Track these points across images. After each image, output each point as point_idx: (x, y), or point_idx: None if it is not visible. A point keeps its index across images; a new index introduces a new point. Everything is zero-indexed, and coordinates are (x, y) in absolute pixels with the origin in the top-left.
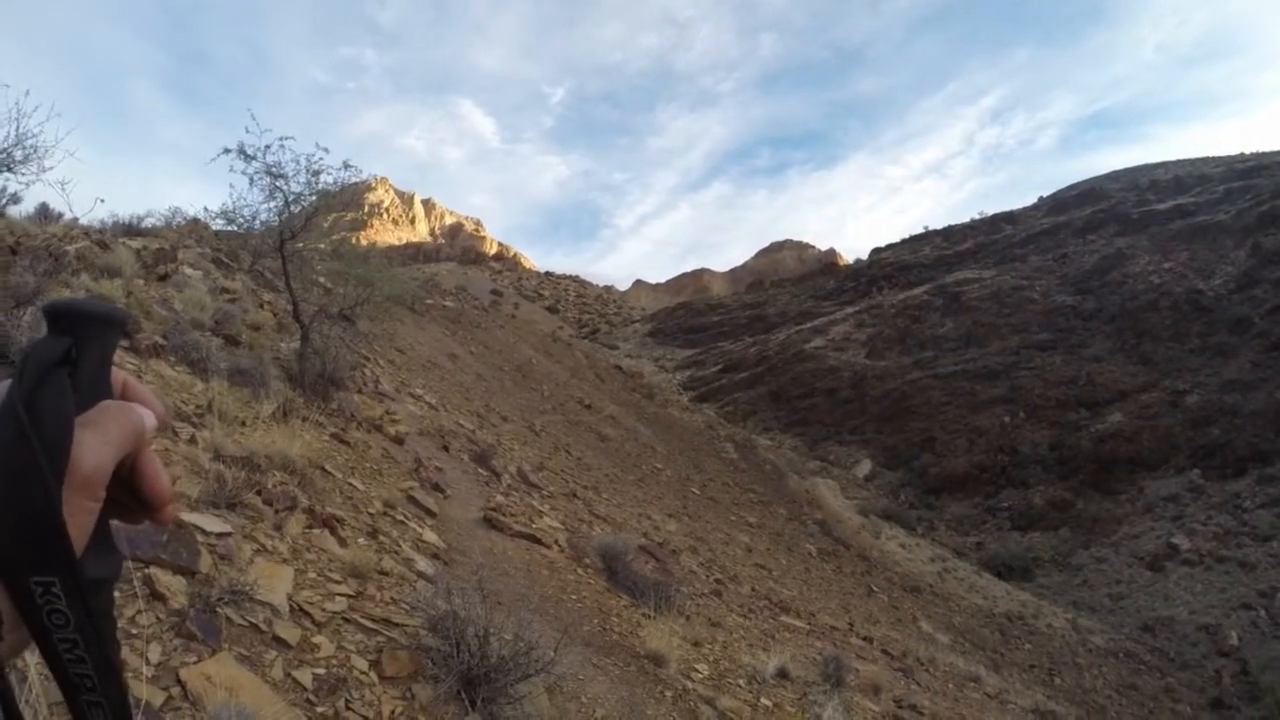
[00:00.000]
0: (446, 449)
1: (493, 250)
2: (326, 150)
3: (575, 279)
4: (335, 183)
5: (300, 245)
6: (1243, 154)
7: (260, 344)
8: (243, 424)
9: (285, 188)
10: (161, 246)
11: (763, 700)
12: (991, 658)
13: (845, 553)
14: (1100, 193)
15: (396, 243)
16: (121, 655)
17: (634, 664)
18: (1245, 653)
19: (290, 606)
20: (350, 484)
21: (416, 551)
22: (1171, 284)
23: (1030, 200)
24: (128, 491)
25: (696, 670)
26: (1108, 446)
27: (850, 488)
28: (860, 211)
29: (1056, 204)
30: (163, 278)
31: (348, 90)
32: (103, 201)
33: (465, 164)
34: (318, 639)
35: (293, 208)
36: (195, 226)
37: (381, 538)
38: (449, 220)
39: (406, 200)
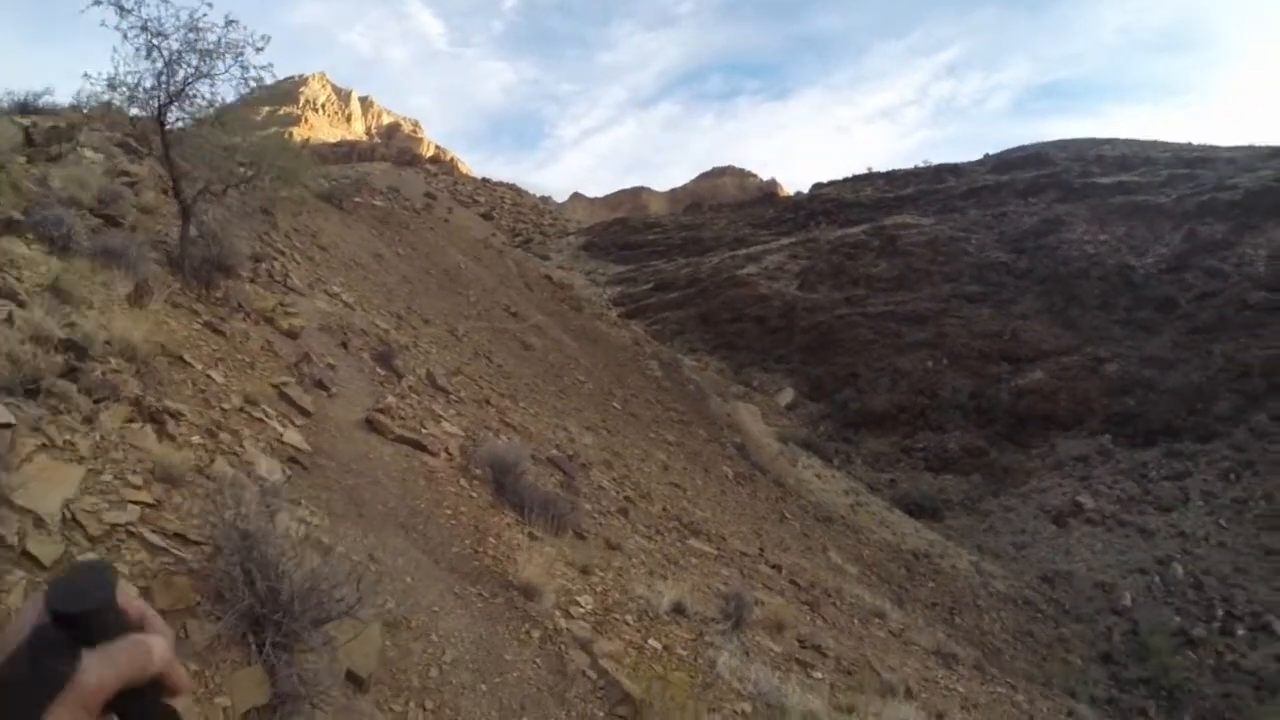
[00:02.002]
0: (345, 346)
1: (430, 153)
2: (210, 5)
3: (513, 187)
4: (218, 43)
5: (179, 116)
6: (1190, 144)
7: (148, 227)
8: (89, 306)
9: (163, 45)
10: (56, 125)
11: (650, 642)
12: (896, 592)
13: (761, 478)
14: (1046, 158)
15: (331, 140)
16: None
17: (501, 595)
18: (1137, 614)
19: (63, 515)
20: (209, 376)
21: (266, 454)
22: (1105, 255)
23: (976, 157)
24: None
25: (578, 604)
26: (1025, 402)
27: (771, 415)
28: (807, 147)
29: (1002, 163)
30: (54, 158)
31: None
32: None
33: (409, 65)
34: (83, 555)
35: (174, 69)
36: (108, 110)
37: (223, 436)
38: (386, 120)
39: (344, 97)
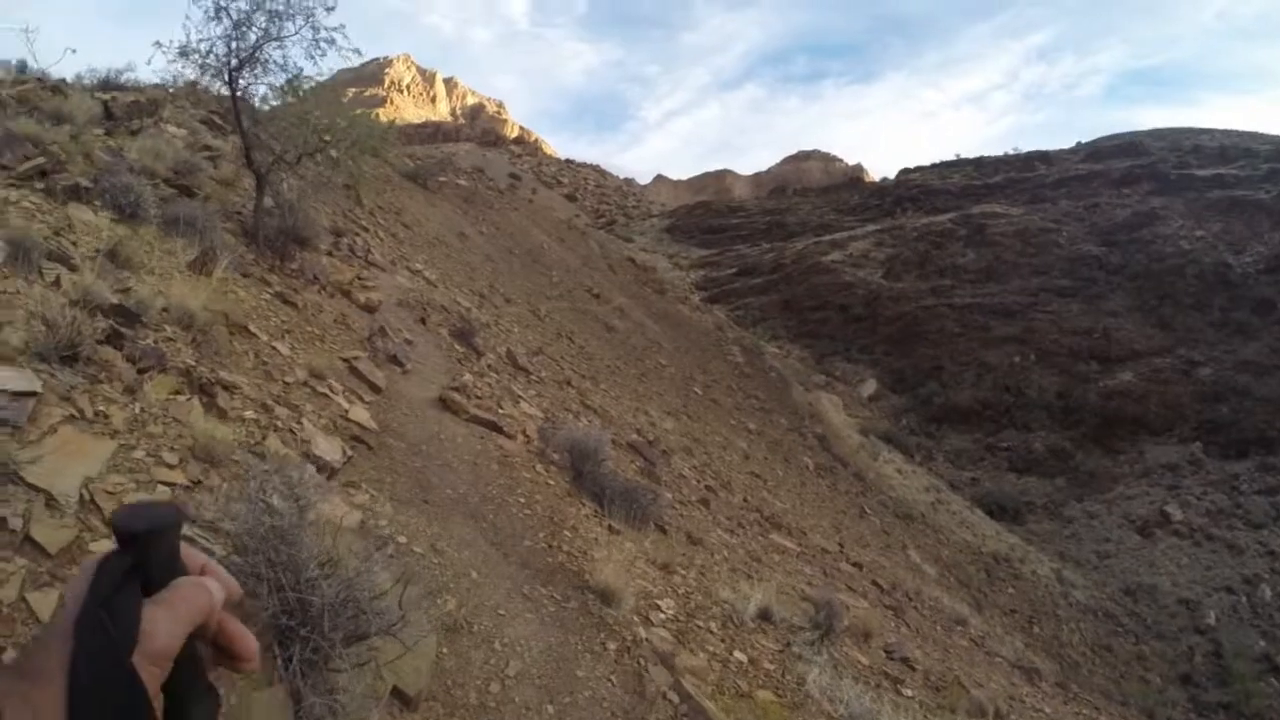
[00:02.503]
0: (424, 322)
1: (514, 134)
2: None
3: (596, 169)
4: (288, 3)
5: (251, 82)
6: None
7: (223, 198)
8: (150, 272)
9: (231, 7)
10: (137, 100)
11: (736, 654)
12: (975, 597)
13: (842, 470)
14: (1141, 148)
15: (416, 120)
16: None
17: (576, 598)
18: (1221, 635)
19: (81, 496)
20: (273, 348)
21: (327, 432)
22: (1201, 253)
23: (1067, 144)
24: (214, 647)
25: (659, 608)
26: (1114, 403)
27: (853, 406)
28: (892, 132)
29: (1094, 152)
30: (133, 132)
31: None
32: (73, 52)
33: (492, 45)
34: (97, 546)
35: (243, 33)
36: (193, 89)
37: (280, 411)
38: (470, 101)
39: (428, 78)
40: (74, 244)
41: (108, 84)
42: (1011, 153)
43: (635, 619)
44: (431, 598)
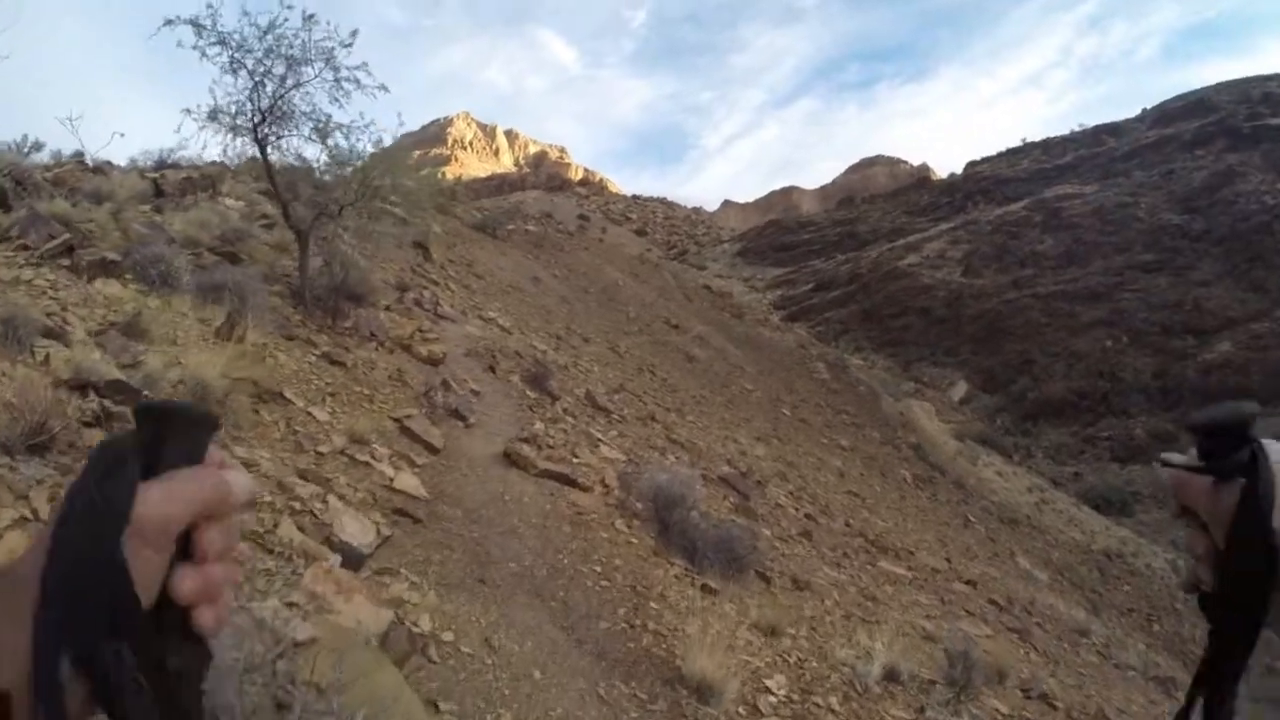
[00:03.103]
0: (493, 370)
1: (578, 176)
2: (289, 7)
3: (663, 201)
4: (303, 46)
5: (275, 133)
6: None
7: (272, 261)
8: (171, 343)
9: (246, 59)
10: (189, 176)
11: None
12: (1090, 599)
13: (941, 479)
14: (1209, 104)
15: (482, 174)
16: None
17: (665, 695)
18: None
19: None
20: (309, 414)
21: (364, 508)
22: None
23: (1133, 113)
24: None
25: (768, 690)
26: (1215, 377)
27: (945, 411)
28: (953, 126)
29: (1162, 116)
30: (185, 208)
31: (425, 28)
32: (121, 136)
33: (547, 93)
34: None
35: (262, 83)
36: (254, 163)
37: (302, 490)
38: (533, 149)
39: (488, 133)
40: (83, 319)
41: (163, 164)
42: (1078, 129)
43: (740, 712)
44: (481, 716)
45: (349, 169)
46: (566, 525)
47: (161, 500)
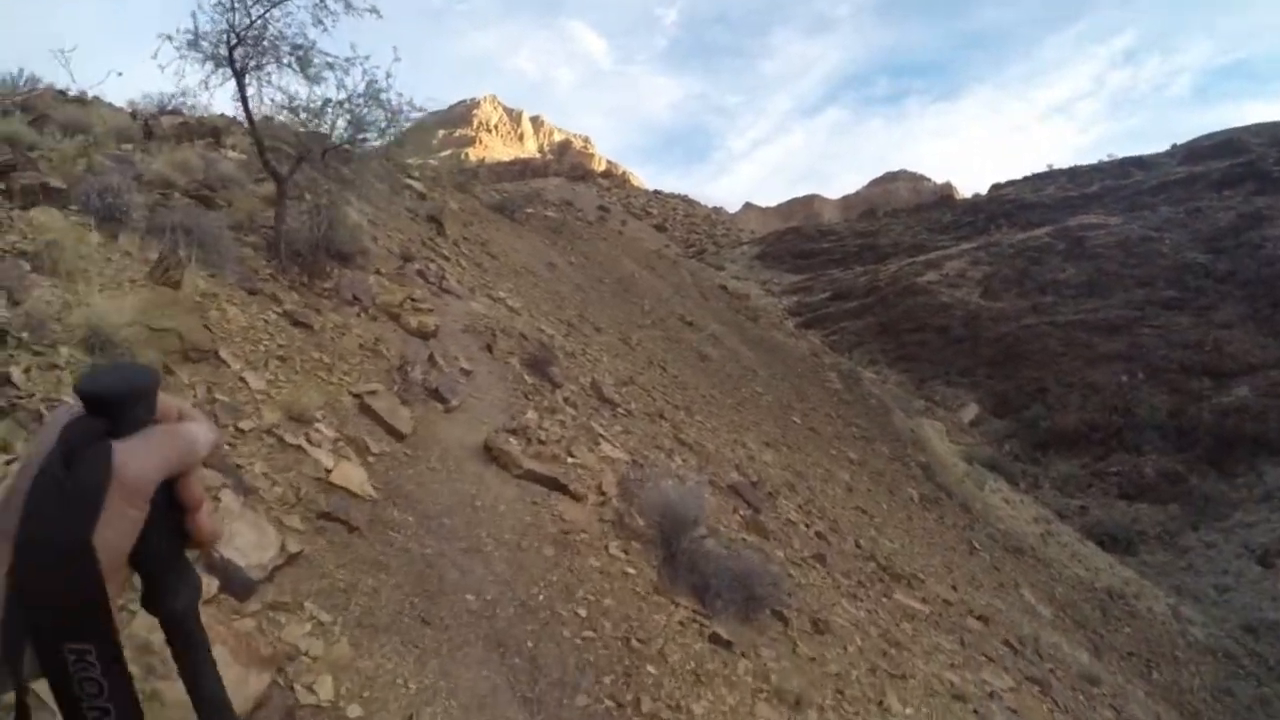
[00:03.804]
0: (490, 349)
1: (601, 168)
2: None
3: (684, 198)
4: None
5: (255, 60)
6: None
7: (255, 211)
8: (84, 282)
9: None
10: (186, 122)
11: None
12: (1092, 639)
13: (947, 502)
14: (1239, 145)
15: (505, 159)
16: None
17: None
18: None
19: None
20: (242, 379)
21: (273, 511)
22: None
23: (1162, 148)
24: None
25: None
26: (1230, 422)
27: (955, 432)
28: (980, 148)
29: (1191, 153)
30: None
31: (458, 11)
32: (119, 75)
33: (577, 86)
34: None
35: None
36: (269, 123)
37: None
38: (557, 138)
39: (514, 117)
40: None
41: (163, 110)
42: (1106, 160)
43: None
44: None
45: (334, 107)
46: (549, 547)
47: (138, 461)
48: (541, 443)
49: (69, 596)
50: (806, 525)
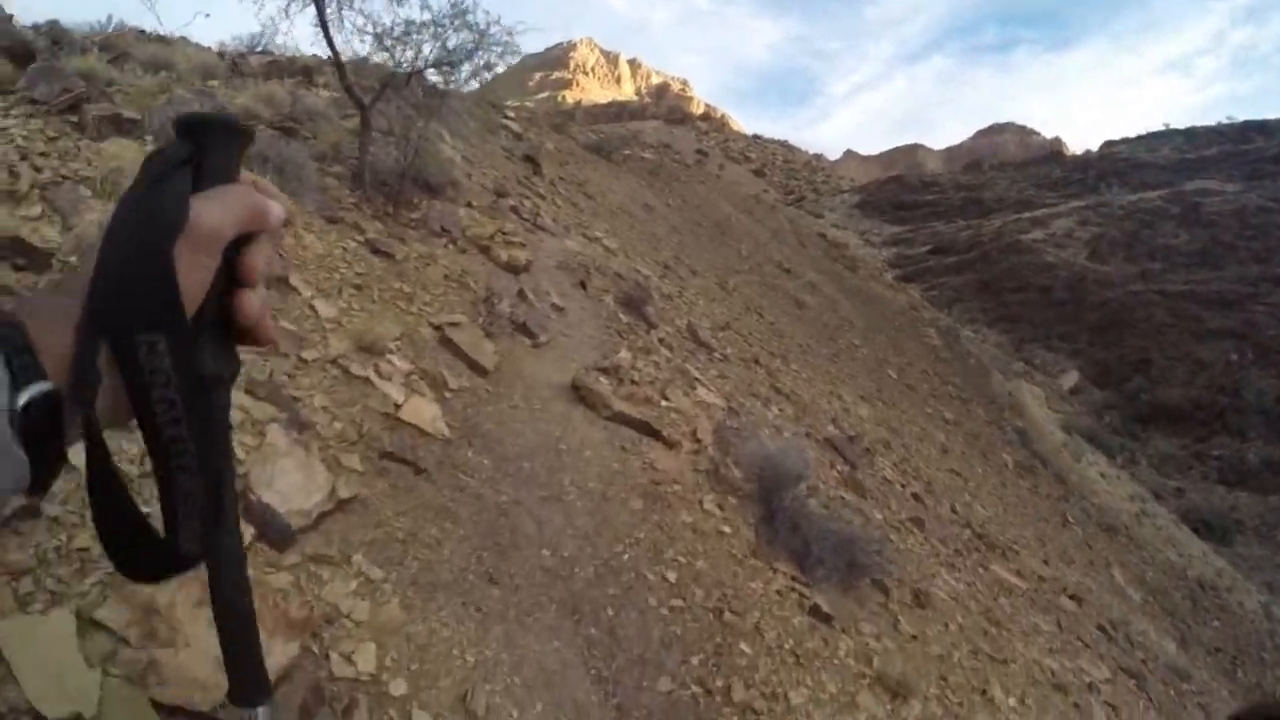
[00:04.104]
0: (583, 286)
1: (699, 111)
2: None
3: (784, 144)
4: None
5: None
6: None
7: (341, 142)
8: None
9: None
10: (277, 60)
11: None
12: (1179, 629)
13: (1043, 470)
14: None
15: (602, 101)
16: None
17: None
18: None
19: None
20: (311, 307)
21: (330, 449)
22: None
23: None
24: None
25: None
26: None
27: (1053, 399)
28: (1091, 102)
29: None
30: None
31: None
32: (207, 16)
33: (673, 26)
34: None
35: None
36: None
37: (240, 413)
38: (655, 80)
39: (611, 60)
40: (38, 170)
41: (253, 50)
42: (1225, 122)
43: None
44: None
45: (419, 29)
46: (637, 498)
47: (213, 210)
48: (634, 383)
49: (145, 289)
50: (902, 485)
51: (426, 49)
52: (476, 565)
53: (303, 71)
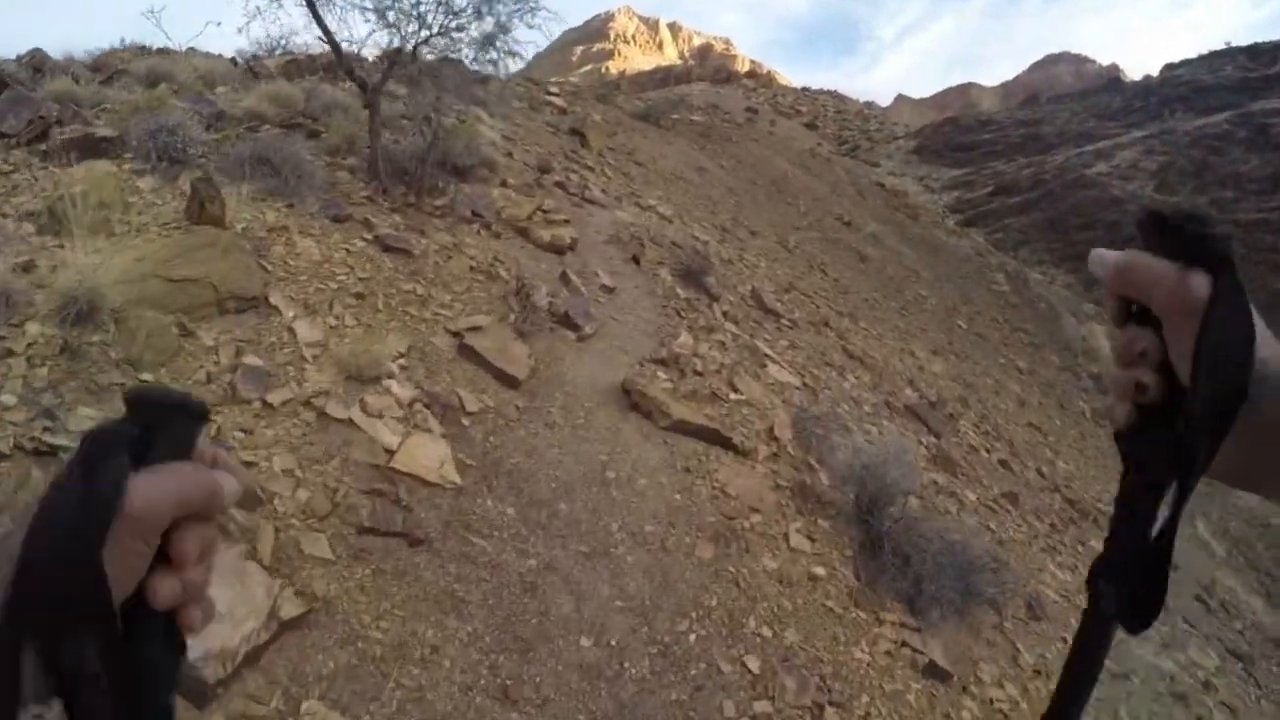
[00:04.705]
0: (636, 261)
1: (745, 69)
2: None
3: (834, 94)
4: None
5: None
6: None
7: (348, 132)
8: (110, 234)
9: None
10: (295, 58)
11: None
12: (1264, 583)
13: None
14: None
15: (646, 68)
16: None
17: None
18: None
19: None
20: (290, 331)
21: (296, 532)
22: None
23: None
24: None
25: None
26: None
27: None
28: (1146, 24)
29: None
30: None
31: None
32: (218, 25)
33: None
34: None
35: None
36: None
37: None
38: (697, 42)
39: (651, 26)
40: None
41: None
42: None
43: None
44: None
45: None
46: (706, 543)
47: (151, 494)
48: (698, 373)
49: (72, 588)
50: (987, 450)
51: (430, 18)
52: (488, 677)
53: (326, 68)
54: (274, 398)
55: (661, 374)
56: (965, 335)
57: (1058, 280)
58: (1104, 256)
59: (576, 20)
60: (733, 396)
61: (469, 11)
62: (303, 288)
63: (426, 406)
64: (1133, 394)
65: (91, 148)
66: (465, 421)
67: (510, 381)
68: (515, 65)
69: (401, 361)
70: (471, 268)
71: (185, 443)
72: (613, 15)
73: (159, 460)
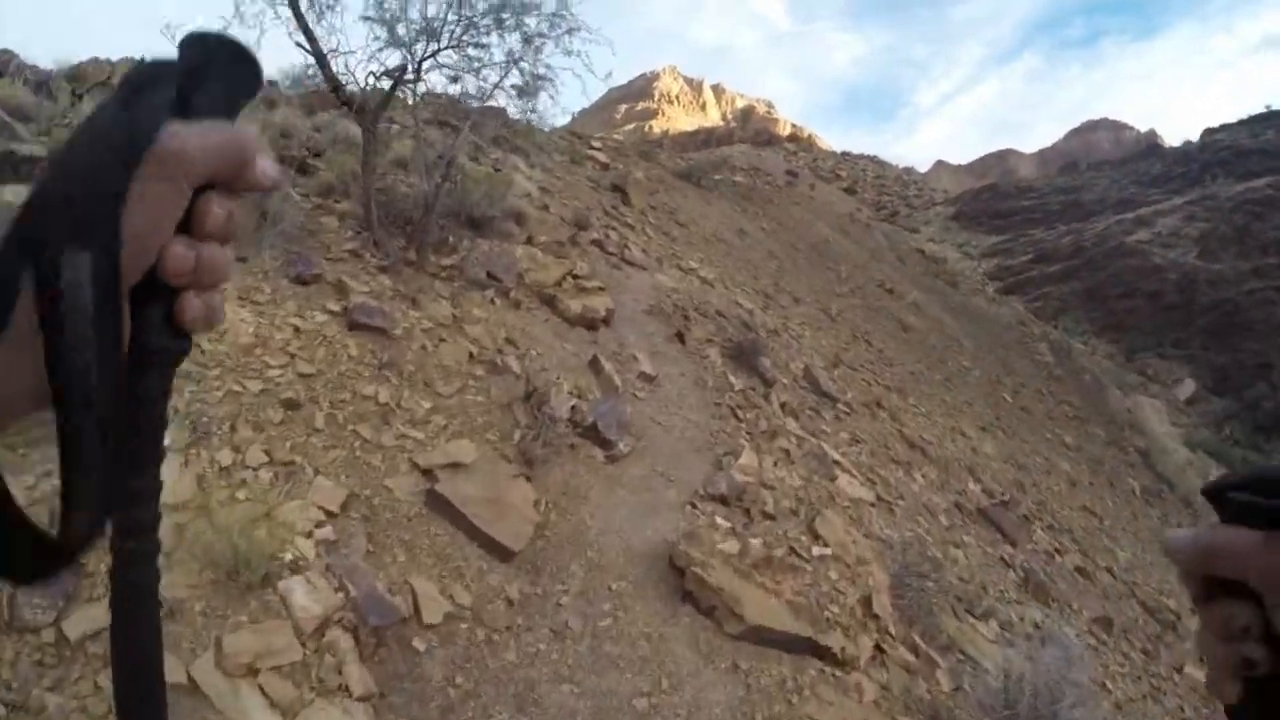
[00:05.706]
0: (680, 338)
1: (786, 132)
2: None
3: (873, 159)
4: None
5: None
6: None
7: (349, 168)
8: None
9: None
10: (317, 90)
11: None
12: None
13: (1169, 495)
14: None
15: (689, 129)
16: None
17: None
18: None
19: None
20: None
21: None
22: None
23: None
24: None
25: None
26: None
27: (1172, 411)
28: (1185, 89)
29: None
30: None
31: None
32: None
33: (756, 48)
34: None
35: None
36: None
37: None
38: (740, 104)
39: (695, 87)
40: None
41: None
42: None
43: None
44: None
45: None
46: None
47: (188, 135)
48: (767, 516)
49: (87, 204)
50: (1059, 552)
51: (440, 28)
52: None
53: (349, 103)
54: (69, 628)
55: (721, 519)
56: (1011, 409)
57: (1098, 349)
58: (1180, 541)
59: (622, 79)
60: (814, 551)
61: (488, 21)
62: (204, 393)
63: (350, 630)
64: (1242, 670)
65: (14, 167)
66: (419, 646)
67: (503, 554)
68: (557, 115)
69: (326, 531)
70: (471, 355)
71: (233, 107)
72: (658, 75)
73: (201, 108)
